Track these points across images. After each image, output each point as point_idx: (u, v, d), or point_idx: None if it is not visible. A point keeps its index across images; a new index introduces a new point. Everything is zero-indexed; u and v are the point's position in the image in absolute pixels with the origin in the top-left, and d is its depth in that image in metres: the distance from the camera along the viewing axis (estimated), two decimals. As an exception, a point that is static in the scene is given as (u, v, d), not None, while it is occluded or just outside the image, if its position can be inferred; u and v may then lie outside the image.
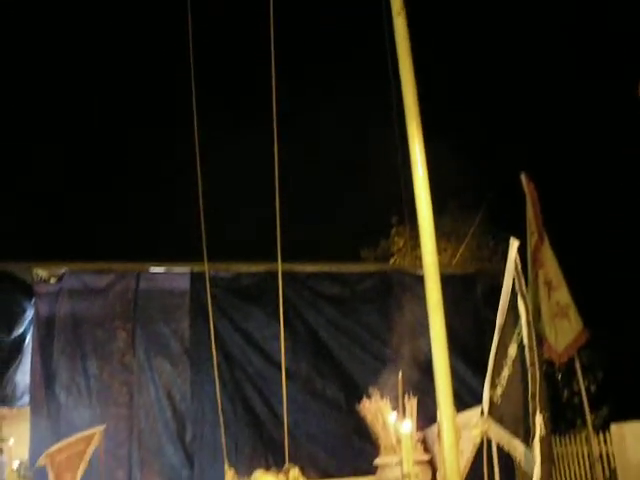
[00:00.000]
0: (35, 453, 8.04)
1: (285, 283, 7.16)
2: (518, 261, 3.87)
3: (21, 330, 9.02)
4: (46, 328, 8.60)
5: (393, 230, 15.19)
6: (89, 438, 7.32)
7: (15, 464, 9.77)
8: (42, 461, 7.49)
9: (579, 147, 12.28)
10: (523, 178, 7.71)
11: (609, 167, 11.85)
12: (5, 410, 10.86)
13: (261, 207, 7.29)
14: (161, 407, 8.55)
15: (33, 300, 8.78)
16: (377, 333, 9.02)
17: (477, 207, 13.46)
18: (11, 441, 9.92)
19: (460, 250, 13.62)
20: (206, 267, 7.25)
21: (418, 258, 5.10)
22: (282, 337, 6.67)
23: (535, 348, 3.55)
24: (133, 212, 15.79)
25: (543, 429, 3.34)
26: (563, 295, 7.35)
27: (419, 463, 4.53)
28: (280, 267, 6.63)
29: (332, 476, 6.21)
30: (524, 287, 3.78)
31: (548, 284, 7.44)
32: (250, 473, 4.29)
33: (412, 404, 4.82)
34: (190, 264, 8.80)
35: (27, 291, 8.86)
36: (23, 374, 8.87)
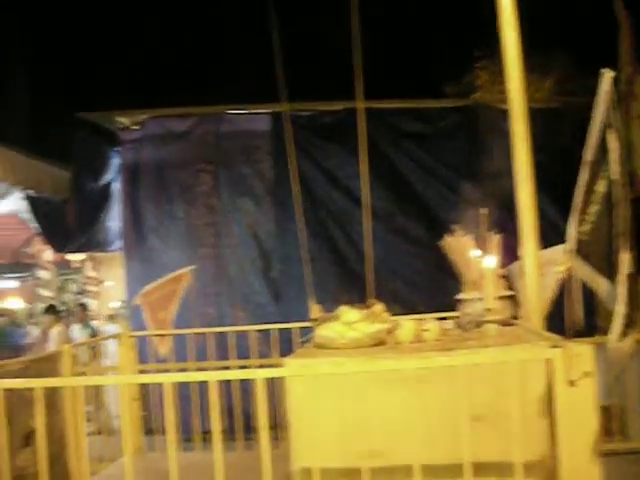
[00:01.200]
0: (131, 293, 8.46)
1: (366, 120, 7.05)
2: (611, 93, 3.67)
3: (108, 178, 9.27)
4: (132, 174, 8.82)
5: (477, 64, 14.65)
6: (179, 278, 7.60)
7: (113, 304, 10.34)
8: (137, 300, 7.86)
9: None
10: (617, 5, 7.21)
11: None
12: (100, 255, 11.38)
13: (342, 46, 7.07)
14: (247, 246, 8.76)
15: (118, 148, 8.97)
16: (460, 170, 8.89)
17: (565, 38, 12.77)
18: (108, 283, 10.40)
19: (547, 84, 13.08)
20: (286, 107, 7.19)
21: (502, 93, 4.92)
22: (364, 173, 6.64)
23: (625, 184, 3.43)
24: (212, 55, 15.64)
25: (629, 267, 3.28)
26: (657, 129, 7.01)
27: (501, 299, 4.53)
28: (361, 104, 6.51)
29: (415, 311, 6.30)
30: (616, 120, 3.61)
31: (642, 117, 7.09)
32: (334, 309, 4.37)
33: (495, 241, 4.78)
34: (270, 105, 8.74)
35: (111, 139, 9.03)
36: (113, 220, 9.19)
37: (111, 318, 11.19)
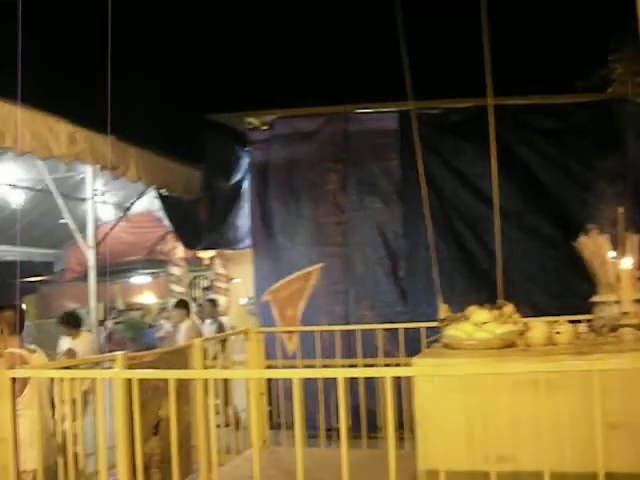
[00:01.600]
0: (259, 290, 8.62)
1: (495, 117, 6.91)
2: None
3: (238, 177, 9.48)
4: (261, 174, 9.00)
5: (611, 57, 14.11)
6: (307, 276, 7.70)
7: (242, 300, 10.57)
8: (266, 297, 8.00)
9: None
10: None
11: None
12: (229, 252, 11.66)
13: (470, 42, 6.95)
14: (374, 245, 8.74)
15: (247, 148, 9.16)
16: (594, 166, 8.58)
17: None
18: (237, 280, 10.65)
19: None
20: (413, 105, 7.13)
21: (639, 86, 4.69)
22: (494, 171, 6.50)
23: None
24: (339, 54, 15.71)
25: None
26: None
27: (639, 302, 4.33)
28: (490, 101, 6.39)
29: (546, 313, 6.12)
30: None
31: None
32: (463, 309, 4.31)
33: (633, 241, 4.57)
34: (398, 103, 8.69)
35: (240, 140, 9.24)
36: (242, 219, 9.40)
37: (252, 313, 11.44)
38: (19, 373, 4.10)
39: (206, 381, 4.27)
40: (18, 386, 4.31)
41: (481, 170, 8.24)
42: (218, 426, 5.82)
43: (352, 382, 6.08)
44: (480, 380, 3.31)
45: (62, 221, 12.57)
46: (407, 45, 6.53)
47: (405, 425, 6.01)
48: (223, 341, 6.85)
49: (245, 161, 9.38)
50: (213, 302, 11.80)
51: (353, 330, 7.10)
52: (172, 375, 4.04)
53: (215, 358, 6.95)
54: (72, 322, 8.39)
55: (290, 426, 3.61)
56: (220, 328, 10.72)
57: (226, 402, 7.56)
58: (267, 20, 16.17)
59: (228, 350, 7.06)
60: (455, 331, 3.93)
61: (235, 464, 5.81)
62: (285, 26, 16.05)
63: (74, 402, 4.23)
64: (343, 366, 6.49)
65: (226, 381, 6.82)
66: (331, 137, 8.95)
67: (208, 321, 11.07)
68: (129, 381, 3.99)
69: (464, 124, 8.71)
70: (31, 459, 4.27)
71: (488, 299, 6.87)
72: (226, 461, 5.95)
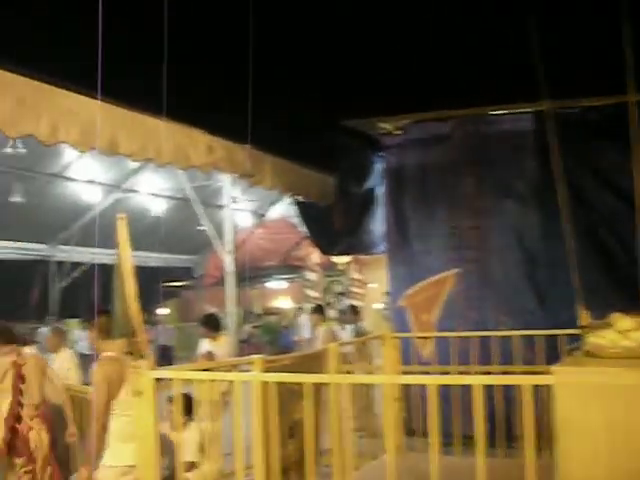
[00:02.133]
0: (394, 295, 8.60)
1: (638, 114, 6.62)
2: None
3: (371, 183, 9.50)
4: (395, 179, 8.98)
5: None
6: (443, 281, 7.62)
7: (376, 305, 10.58)
8: (401, 302, 7.98)
9: None
10: None
11: None
12: (364, 257, 11.71)
13: (607, 37, 6.70)
14: (511, 249, 8.55)
15: (381, 153, 9.16)
16: None
17: None
18: (372, 284, 10.67)
19: None
20: (549, 105, 6.93)
21: None
22: (638, 171, 6.22)
23: None
24: (468, 56, 15.50)
25: None
26: None
27: None
28: (632, 97, 6.13)
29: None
30: None
31: None
32: (605, 316, 4.15)
33: None
34: (533, 104, 8.48)
35: (373, 145, 9.27)
36: (377, 224, 9.42)
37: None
38: (161, 374, 4.24)
39: (341, 386, 4.29)
40: (114, 389, 4.50)
41: (624, 170, 7.91)
42: (358, 431, 5.86)
43: (488, 389, 5.97)
44: (625, 391, 3.17)
45: (201, 228, 12.99)
46: (541, 43, 6.37)
47: (543, 435, 5.85)
48: (359, 346, 6.88)
49: (379, 166, 9.39)
50: (354, 308, 11.89)
51: (489, 336, 6.97)
52: (308, 379, 4.08)
53: (355, 362, 6.99)
54: (212, 325, 8.64)
55: (425, 433, 3.58)
56: (358, 333, 10.77)
57: (366, 407, 7.58)
58: (397, 25, 16.14)
59: (368, 355, 7.08)
60: (598, 339, 3.79)
61: (369, 469, 5.82)
62: (415, 30, 15.97)
63: (213, 403, 4.35)
64: (479, 373, 6.37)
65: (367, 386, 6.84)
66: (465, 140, 8.83)
67: (349, 327, 11.15)
68: (266, 384, 4.06)
69: (603, 122, 8.40)
70: (119, 456, 4.46)
71: (632, 305, 6.58)
72: (360, 465, 5.96)
